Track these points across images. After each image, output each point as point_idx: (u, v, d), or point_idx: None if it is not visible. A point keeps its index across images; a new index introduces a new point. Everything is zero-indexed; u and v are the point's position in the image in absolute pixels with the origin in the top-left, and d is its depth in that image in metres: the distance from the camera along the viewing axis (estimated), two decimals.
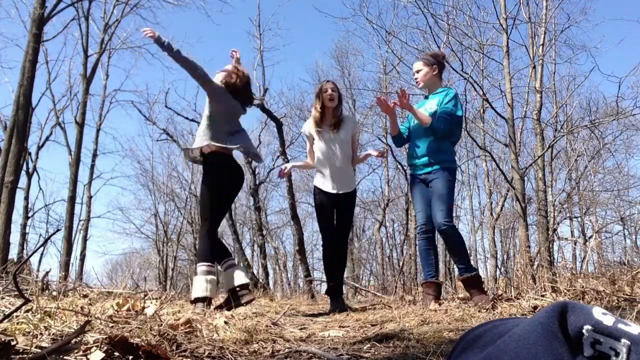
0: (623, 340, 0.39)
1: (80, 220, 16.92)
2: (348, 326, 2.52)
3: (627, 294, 2.89)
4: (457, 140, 3.56)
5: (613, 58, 31.47)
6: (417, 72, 3.60)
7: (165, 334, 1.48)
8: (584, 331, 0.40)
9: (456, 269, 3.38)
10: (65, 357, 1.17)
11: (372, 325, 2.43)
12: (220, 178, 3.32)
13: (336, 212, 3.84)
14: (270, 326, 2.21)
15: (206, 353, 1.43)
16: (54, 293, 3.06)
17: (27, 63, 8.58)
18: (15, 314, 1.50)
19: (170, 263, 20.72)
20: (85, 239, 16.38)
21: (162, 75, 51.14)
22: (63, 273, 6.96)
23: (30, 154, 16.18)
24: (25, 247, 15.14)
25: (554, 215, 13.09)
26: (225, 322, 1.98)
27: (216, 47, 37.84)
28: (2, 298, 2.14)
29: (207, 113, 3.33)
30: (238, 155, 3.90)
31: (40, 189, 18.51)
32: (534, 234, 9.64)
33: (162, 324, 1.61)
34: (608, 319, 0.41)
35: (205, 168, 3.38)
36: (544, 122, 10.93)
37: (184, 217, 20.63)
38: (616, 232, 18.47)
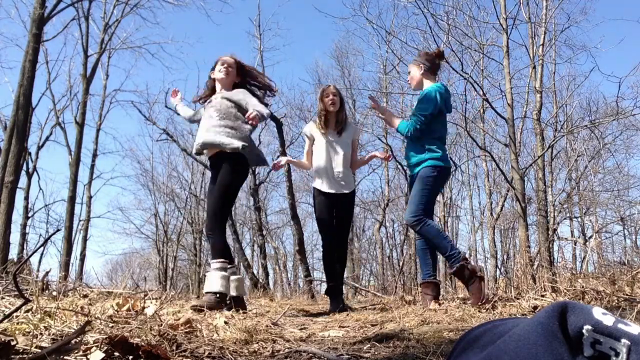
0: (623, 340, 0.39)
1: (80, 220, 16.94)
2: (348, 326, 2.52)
3: (627, 294, 2.89)
4: (440, 134, 3.47)
5: (613, 58, 31.48)
6: (409, 73, 3.67)
7: (165, 334, 1.48)
8: (584, 331, 0.40)
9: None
10: (65, 357, 1.17)
11: (372, 325, 2.43)
12: (243, 179, 3.42)
13: (336, 212, 3.86)
14: (270, 326, 2.21)
15: (206, 353, 1.43)
16: (54, 293, 3.06)
17: (27, 63, 8.59)
18: (15, 314, 1.50)
19: (170, 263, 20.73)
20: (85, 239, 16.39)
21: (162, 75, 51.22)
22: (63, 273, 6.96)
23: (30, 154, 16.19)
24: (25, 247, 15.14)
25: (554, 215, 13.09)
26: (225, 322, 1.98)
27: (216, 47, 37.84)
28: (2, 298, 2.14)
29: (237, 112, 3.37)
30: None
31: (40, 189, 18.52)
32: (534, 234, 9.65)
33: (162, 324, 1.61)
34: (608, 319, 0.41)
35: (231, 167, 3.31)
36: (544, 122, 10.94)
37: (184, 217, 20.64)
38: (616, 232, 18.49)
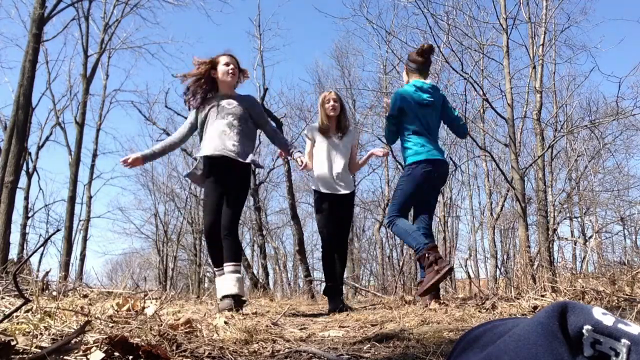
0: (623, 340, 0.39)
1: (80, 220, 16.94)
2: (348, 326, 2.52)
3: (627, 294, 2.89)
4: (414, 129, 3.49)
5: (613, 58, 31.50)
6: None
7: (165, 334, 1.48)
8: (584, 331, 0.40)
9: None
10: (65, 357, 1.17)
11: (372, 325, 2.43)
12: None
13: (336, 213, 3.90)
14: (270, 326, 2.21)
15: (206, 353, 1.43)
16: (54, 293, 3.06)
17: (27, 63, 8.59)
18: (15, 314, 1.50)
19: (170, 263, 20.73)
20: (85, 239, 16.39)
21: (162, 75, 51.16)
22: (63, 273, 6.96)
23: (30, 154, 16.20)
24: (25, 247, 15.15)
25: (554, 215, 13.10)
26: (225, 322, 1.98)
27: (216, 47, 37.89)
28: (2, 298, 2.14)
29: (251, 122, 3.50)
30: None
31: (40, 189, 18.55)
32: (534, 234, 9.65)
33: (162, 324, 1.61)
34: (608, 319, 0.41)
35: (246, 176, 3.47)
36: (544, 122, 10.94)
37: (184, 217, 20.64)
38: (616, 232, 18.49)
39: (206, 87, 3.47)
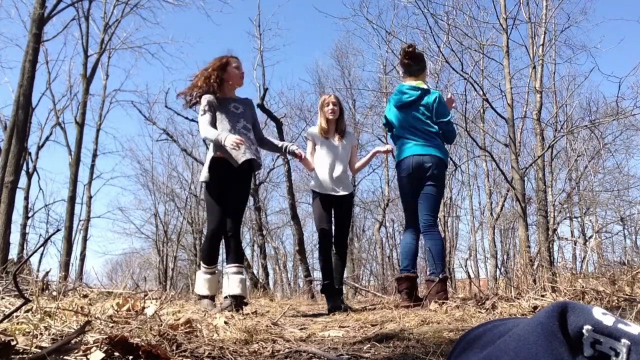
0: (623, 340, 0.39)
1: (80, 220, 16.94)
2: (348, 326, 2.52)
3: (627, 294, 2.89)
4: (396, 132, 3.68)
5: (613, 58, 31.50)
6: None
7: (165, 334, 1.48)
8: (584, 331, 0.40)
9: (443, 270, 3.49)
10: (65, 357, 1.17)
11: (372, 325, 2.43)
12: None
13: (335, 213, 3.93)
14: (270, 326, 2.21)
15: (206, 353, 1.43)
16: (54, 293, 3.06)
17: (27, 63, 8.59)
18: (15, 314, 1.50)
19: (170, 263, 20.73)
20: (85, 239, 16.39)
21: (162, 75, 51.27)
22: (63, 273, 6.95)
23: (30, 154, 16.19)
24: (25, 247, 15.15)
25: (554, 215, 13.10)
26: (225, 322, 1.98)
27: (216, 47, 37.91)
28: (2, 298, 2.14)
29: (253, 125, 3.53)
30: None
31: (40, 189, 18.52)
32: (534, 234, 9.65)
33: (162, 324, 1.61)
34: (608, 319, 0.41)
35: (251, 178, 3.50)
36: (544, 122, 10.95)
37: (184, 217, 20.63)
38: (616, 232, 18.50)
39: (206, 88, 3.42)
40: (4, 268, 4.58)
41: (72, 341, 1.25)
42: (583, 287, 2.97)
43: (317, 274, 17.67)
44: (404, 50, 3.68)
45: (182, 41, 32.66)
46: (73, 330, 1.37)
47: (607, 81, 31.68)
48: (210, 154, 3.35)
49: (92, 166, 16.64)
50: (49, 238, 2.74)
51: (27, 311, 1.65)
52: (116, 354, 1.20)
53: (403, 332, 1.99)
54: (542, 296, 2.94)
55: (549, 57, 10.39)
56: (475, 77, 9.71)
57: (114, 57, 20.65)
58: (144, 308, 2.02)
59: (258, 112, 12.06)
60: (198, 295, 3.32)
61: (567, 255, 13.99)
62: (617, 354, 0.39)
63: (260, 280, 11.10)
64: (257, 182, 12.39)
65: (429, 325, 2.21)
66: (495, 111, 8.86)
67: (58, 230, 16.00)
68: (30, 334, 1.39)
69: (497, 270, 13.50)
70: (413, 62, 3.64)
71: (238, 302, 3.14)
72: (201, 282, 3.31)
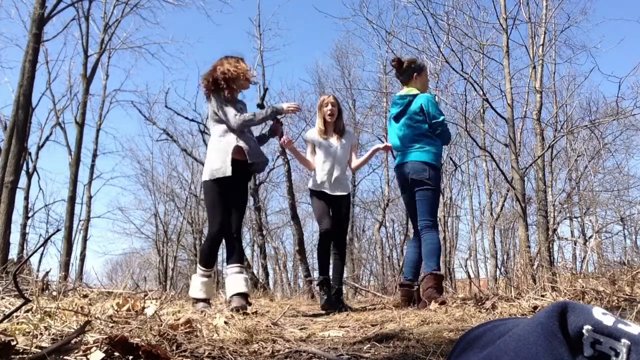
0: (623, 340, 0.39)
1: (80, 220, 16.93)
2: (348, 326, 2.52)
3: (627, 294, 2.89)
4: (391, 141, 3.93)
5: (613, 58, 31.50)
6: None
7: (165, 334, 1.48)
8: (584, 331, 0.40)
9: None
10: (65, 357, 1.17)
11: (372, 325, 2.43)
12: None
13: (333, 214, 3.95)
14: (270, 326, 2.21)
15: (206, 353, 1.43)
16: (54, 293, 3.06)
17: (27, 63, 8.59)
18: (15, 314, 1.50)
19: (170, 263, 20.71)
20: (85, 239, 16.38)
21: (162, 75, 51.26)
22: (63, 273, 6.95)
23: (30, 154, 16.18)
24: (25, 247, 15.15)
25: (554, 215, 13.10)
26: (225, 322, 1.98)
27: (216, 47, 37.87)
28: (2, 298, 2.15)
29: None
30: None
31: (40, 189, 18.52)
32: (534, 234, 9.65)
33: (162, 324, 1.61)
34: (608, 319, 0.41)
35: (250, 177, 3.57)
36: (544, 122, 10.95)
37: (184, 217, 20.62)
38: (616, 232, 18.50)
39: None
40: (4, 268, 4.58)
41: (72, 341, 1.25)
42: (583, 287, 2.97)
43: (317, 274, 17.66)
44: (392, 65, 3.79)
45: (182, 41, 32.66)
46: (73, 330, 1.37)
47: (607, 81, 31.73)
48: (220, 152, 3.26)
49: (92, 166, 16.65)
50: (49, 238, 2.75)
51: (27, 311, 1.65)
52: (116, 354, 1.20)
53: (403, 332, 1.99)
54: (542, 296, 2.94)
55: (549, 57, 10.39)
56: (475, 77, 9.72)
57: (114, 57, 20.66)
58: (144, 308, 2.02)
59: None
60: (194, 299, 3.28)
61: (567, 255, 14.00)
62: (617, 354, 0.39)
63: (260, 280, 11.10)
64: (257, 182, 12.38)
65: (429, 325, 2.21)
66: (495, 111, 8.86)
67: (58, 230, 16.01)
68: (30, 334, 1.39)
69: (497, 270, 13.50)
70: (400, 74, 3.76)
71: (245, 300, 3.19)
72: (198, 285, 3.28)
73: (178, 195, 20.87)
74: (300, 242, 9.88)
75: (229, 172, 3.20)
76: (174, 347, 1.43)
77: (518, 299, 2.98)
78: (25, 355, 1.16)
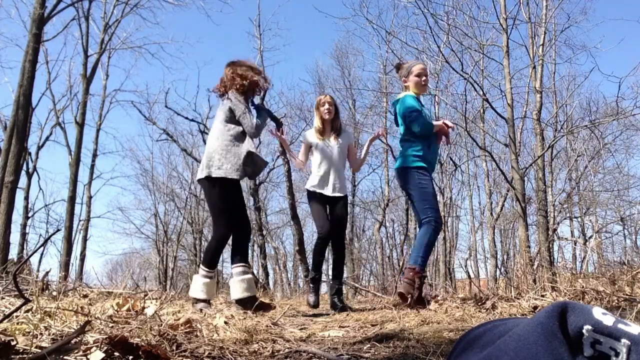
0: (623, 340, 0.39)
1: (80, 220, 16.94)
2: (348, 326, 2.52)
3: (627, 294, 2.89)
4: None
5: (613, 58, 31.50)
6: (426, 75, 3.76)
7: (165, 334, 1.48)
8: (584, 331, 0.40)
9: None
10: (65, 357, 1.17)
11: (372, 325, 2.43)
12: None
13: (331, 214, 4.00)
14: (270, 326, 2.21)
15: (206, 353, 1.43)
16: (54, 293, 3.06)
17: (27, 63, 8.59)
18: (15, 314, 1.50)
19: (170, 263, 20.72)
20: (85, 239, 16.39)
21: (162, 75, 51.23)
22: (63, 273, 6.95)
23: (30, 154, 16.19)
24: (25, 247, 15.15)
25: (554, 215, 13.10)
26: (225, 322, 1.98)
27: (216, 47, 37.88)
28: (2, 298, 2.15)
29: None
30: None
31: (40, 189, 18.54)
32: (534, 234, 9.64)
33: (162, 324, 1.61)
34: (608, 319, 0.41)
35: None
36: (544, 122, 10.95)
37: (184, 217, 20.63)
38: (616, 232, 18.50)
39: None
40: (4, 268, 4.58)
41: (72, 341, 1.25)
42: (583, 287, 2.97)
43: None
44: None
45: (182, 41, 32.63)
46: (73, 330, 1.37)
47: (607, 81, 31.70)
48: (235, 157, 3.26)
49: (92, 166, 16.65)
50: (49, 238, 2.74)
51: (27, 311, 1.65)
52: (116, 354, 1.20)
53: (403, 332, 1.99)
54: (542, 296, 2.94)
55: (549, 57, 10.39)
56: (475, 77, 9.72)
57: (114, 57, 20.66)
58: (144, 308, 2.02)
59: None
60: (194, 299, 3.26)
61: (567, 255, 13.99)
62: (617, 354, 0.39)
63: (260, 280, 11.10)
64: (257, 182, 12.39)
65: (429, 325, 2.21)
66: (495, 111, 8.86)
67: (58, 230, 16.01)
68: (30, 334, 1.39)
69: (497, 270, 13.49)
70: (400, 79, 3.85)
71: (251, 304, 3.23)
72: (200, 286, 3.27)
73: (178, 195, 20.90)
74: (300, 242, 9.88)
75: (241, 175, 3.26)
76: (174, 347, 1.43)
77: (518, 299, 2.98)
78: (25, 355, 1.16)
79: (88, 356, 1.17)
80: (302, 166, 4.14)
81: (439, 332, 1.97)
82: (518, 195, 7.65)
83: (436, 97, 10.31)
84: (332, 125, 4.07)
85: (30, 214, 16.60)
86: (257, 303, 3.18)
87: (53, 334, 1.42)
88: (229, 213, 3.26)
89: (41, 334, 1.40)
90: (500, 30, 8.30)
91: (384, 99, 13.42)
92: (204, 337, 1.66)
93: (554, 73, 12.72)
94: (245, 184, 11.85)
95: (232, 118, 3.35)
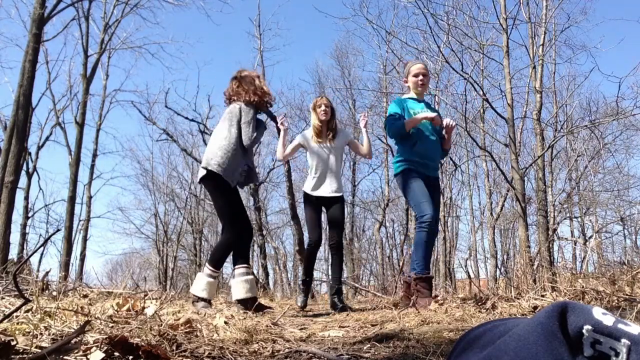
0: (623, 340, 0.39)
1: (80, 220, 16.94)
2: (348, 326, 2.52)
3: (627, 294, 2.89)
4: None
5: (613, 58, 31.49)
6: (425, 75, 3.71)
7: (165, 334, 1.48)
8: (584, 331, 0.40)
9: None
10: (65, 357, 1.17)
11: (372, 325, 2.43)
12: None
13: (328, 215, 4.06)
14: (270, 326, 2.21)
15: (206, 353, 1.43)
16: (54, 293, 3.06)
17: (27, 63, 8.59)
18: (15, 314, 1.50)
19: (170, 263, 20.71)
20: (85, 239, 16.39)
21: (162, 75, 51.19)
22: (63, 273, 6.95)
23: (30, 154, 16.19)
24: (25, 247, 15.15)
25: (554, 215, 13.10)
26: (225, 322, 1.98)
27: (216, 47, 37.90)
28: (2, 298, 2.15)
29: None
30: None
31: (40, 189, 18.54)
32: (534, 234, 9.64)
33: (162, 324, 1.61)
34: (608, 319, 0.41)
35: None
36: (544, 122, 10.95)
37: (184, 217, 20.63)
38: (616, 232, 18.49)
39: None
40: (4, 268, 4.58)
41: (72, 341, 1.25)
42: (583, 287, 2.97)
43: (317, 274, 17.68)
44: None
45: (182, 41, 32.62)
46: (73, 330, 1.37)
47: (607, 81, 31.67)
48: (236, 165, 3.40)
49: (92, 166, 16.65)
50: (49, 238, 2.74)
51: (27, 311, 1.65)
52: (116, 354, 1.20)
53: (403, 332, 1.99)
54: (542, 296, 2.94)
55: (549, 57, 10.39)
56: (475, 77, 9.72)
57: (114, 57, 20.65)
58: (144, 308, 2.02)
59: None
60: (195, 297, 3.28)
61: (567, 255, 14.00)
62: (617, 354, 0.39)
63: (260, 280, 11.10)
64: (257, 182, 12.38)
65: (429, 325, 2.21)
66: (495, 111, 8.86)
67: (58, 230, 16.01)
68: (30, 334, 1.39)
69: (497, 270, 13.49)
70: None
71: (251, 304, 3.29)
72: (202, 285, 3.28)
73: (178, 195, 20.90)
74: (300, 242, 9.88)
75: (233, 182, 3.39)
76: (174, 347, 1.43)
77: (518, 299, 2.98)
78: (25, 355, 1.16)
79: (88, 356, 1.17)
80: (280, 157, 4.22)
81: (439, 332, 1.97)
82: (518, 195, 7.65)
83: (436, 97, 10.30)
84: (328, 126, 4.14)
85: (30, 214, 16.60)
86: (256, 304, 3.22)
87: (53, 334, 1.42)
88: (237, 217, 3.39)
89: (41, 334, 1.40)
90: (500, 30, 8.30)
91: (384, 99, 13.41)
92: (204, 337, 1.66)
93: (554, 73, 12.73)
94: None
95: (239, 122, 3.49)
